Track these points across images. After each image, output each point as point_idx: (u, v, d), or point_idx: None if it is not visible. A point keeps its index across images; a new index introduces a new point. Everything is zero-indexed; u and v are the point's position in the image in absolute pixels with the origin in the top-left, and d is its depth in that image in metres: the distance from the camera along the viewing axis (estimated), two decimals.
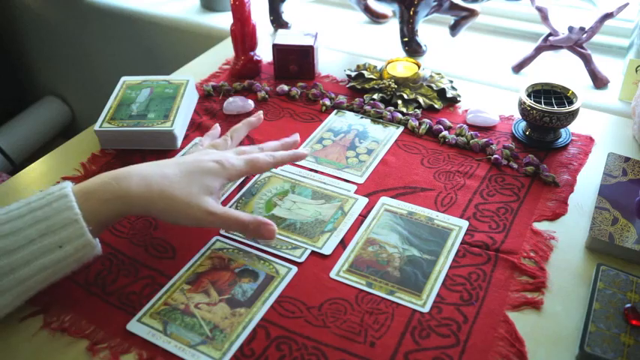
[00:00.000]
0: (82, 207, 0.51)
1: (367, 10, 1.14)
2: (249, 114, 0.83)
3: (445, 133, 0.77)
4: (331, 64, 0.97)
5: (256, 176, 0.70)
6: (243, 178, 0.68)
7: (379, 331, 0.52)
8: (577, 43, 0.91)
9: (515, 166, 0.72)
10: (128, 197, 0.54)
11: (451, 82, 0.88)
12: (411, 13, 0.98)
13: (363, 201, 0.66)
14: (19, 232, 0.50)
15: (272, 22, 1.12)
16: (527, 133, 0.77)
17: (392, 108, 0.83)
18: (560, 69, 0.97)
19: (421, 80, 0.86)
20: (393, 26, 1.10)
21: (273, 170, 0.71)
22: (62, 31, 1.61)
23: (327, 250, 0.60)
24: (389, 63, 0.89)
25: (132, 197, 0.54)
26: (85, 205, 0.52)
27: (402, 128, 0.80)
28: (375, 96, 0.85)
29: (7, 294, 0.49)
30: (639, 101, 0.78)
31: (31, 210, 0.51)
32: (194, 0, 1.31)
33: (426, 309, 0.54)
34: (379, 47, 1.06)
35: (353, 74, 0.90)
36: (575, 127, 0.78)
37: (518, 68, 0.97)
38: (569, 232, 0.63)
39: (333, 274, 0.58)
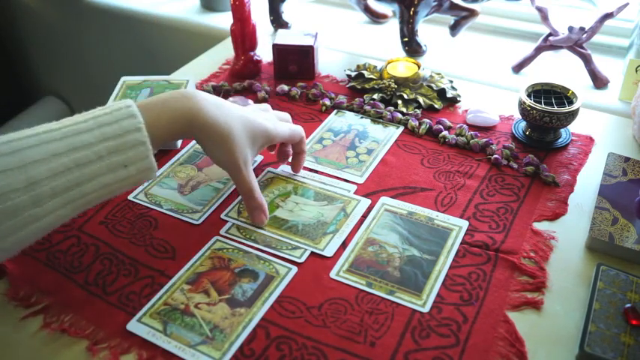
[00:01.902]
0: (149, 128, 0.52)
1: (367, 10, 1.14)
2: None
3: (445, 133, 0.77)
4: (331, 64, 0.97)
5: (260, 175, 0.71)
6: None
7: (379, 331, 0.52)
8: (577, 43, 0.91)
9: (515, 166, 0.72)
10: (197, 119, 0.56)
11: (451, 82, 0.88)
12: (411, 13, 0.98)
13: (366, 202, 0.66)
14: (89, 146, 0.50)
15: (272, 22, 1.12)
16: (527, 133, 0.77)
17: (392, 108, 0.83)
18: (560, 69, 0.97)
19: (421, 80, 0.86)
20: (393, 26, 1.10)
21: (276, 171, 0.71)
22: (62, 31, 1.61)
23: (328, 252, 0.60)
24: (389, 63, 0.89)
25: (200, 120, 0.56)
26: (152, 126, 0.53)
27: (402, 128, 0.80)
28: (375, 96, 0.85)
29: (68, 206, 0.50)
30: (639, 101, 0.78)
31: (99, 125, 0.51)
32: (194, 0, 1.31)
33: (426, 309, 0.54)
34: (379, 47, 1.06)
35: (353, 74, 0.90)
36: (575, 127, 0.78)
37: (518, 68, 0.97)
38: (569, 232, 0.63)
39: (333, 274, 0.58)
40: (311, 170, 0.72)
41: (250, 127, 0.60)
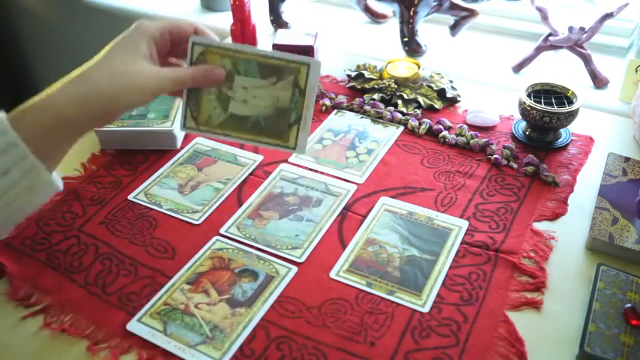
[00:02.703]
0: (18, 129, 0.48)
1: (367, 10, 1.14)
2: None
3: (445, 133, 0.77)
4: (331, 64, 0.97)
5: (189, 50, 0.58)
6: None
7: (379, 331, 0.52)
8: (577, 43, 0.91)
9: (515, 166, 0.72)
10: (59, 115, 0.50)
11: (451, 82, 0.88)
12: (411, 13, 0.98)
13: (316, 65, 0.56)
14: None
15: (272, 22, 1.12)
16: (527, 133, 0.77)
17: (392, 108, 0.83)
18: (560, 69, 0.97)
19: (421, 80, 0.86)
20: (393, 26, 1.10)
21: (200, 41, 0.58)
22: (62, 31, 1.61)
23: (301, 150, 0.56)
24: (389, 63, 0.89)
25: (60, 109, 0.50)
26: (22, 128, 0.48)
27: (402, 128, 0.80)
28: (375, 96, 0.85)
29: None
30: (639, 101, 0.78)
31: None
32: (194, 0, 1.31)
33: (426, 309, 0.54)
34: (379, 47, 1.06)
35: (353, 74, 0.90)
36: (575, 127, 0.78)
37: (518, 68, 0.97)
38: (569, 232, 0.63)
39: (333, 274, 0.58)
40: (311, 170, 0.72)
41: (118, 49, 0.53)
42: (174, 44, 0.58)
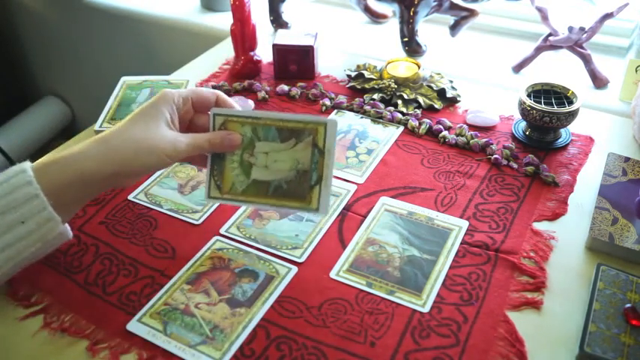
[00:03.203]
0: (40, 181, 0.51)
1: (367, 10, 1.14)
2: None
3: (445, 133, 0.77)
4: (331, 64, 0.97)
5: (210, 121, 0.59)
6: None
7: (379, 331, 0.52)
8: (577, 43, 0.91)
9: (515, 166, 0.72)
10: (84, 175, 0.52)
11: (451, 82, 0.88)
12: (411, 13, 0.98)
13: (333, 125, 0.57)
14: None
15: (272, 22, 1.12)
16: (527, 133, 0.77)
17: (392, 108, 0.83)
18: (560, 69, 0.97)
19: (421, 80, 0.86)
20: (393, 26, 1.10)
21: (222, 112, 0.60)
22: (62, 32, 1.61)
23: (323, 211, 0.57)
24: (389, 63, 0.89)
25: (86, 174, 0.53)
26: (44, 180, 0.51)
27: (402, 128, 0.80)
28: (375, 96, 0.85)
29: None
30: (639, 101, 0.78)
31: None
32: (194, 0, 1.31)
33: (426, 309, 0.54)
34: (379, 47, 1.06)
35: (353, 74, 0.90)
36: (575, 127, 0.78)
37: (518, 68, 0.97)
38: (569, 232, 0.63)
39: (333, 274, 0.58)
40: None
41: (142, 117, 0.56)
42: (197, 111, 0.61)
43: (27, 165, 0.52)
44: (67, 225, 0.55)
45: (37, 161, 0.54)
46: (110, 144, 0.54)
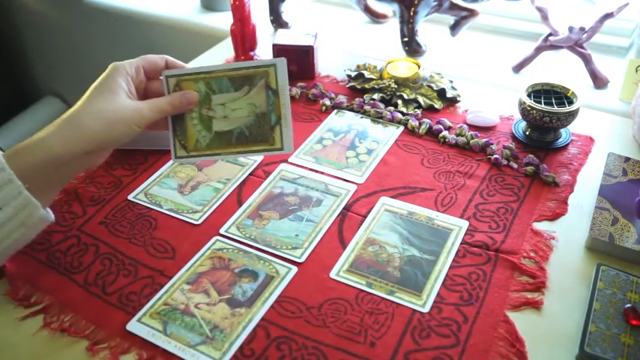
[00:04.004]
0: (13, 166, 0.51)
1: (367, 10, 1.14)
2: None
3: (445, 133, 0.77)
4: (331, 64, 0.97)
5: (164, 84, 0.61)
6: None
7: (379, 331, 0.52)
8: (577, 43, 0.91)
9: (515, 166, 0.72)
10: (54, 153, 0.53)
11: (451, 82, 0.88)
12: (411, 13, 0.98)
13: (282, 64, 0.59)
14: None
15: (272, 22, 1.12)
16: (527, 133, 0.77)
17: (392, 108, 0.83)
18: (560, 69, 0.97)
19: (421, 80, 0.86)
20: (393, 26, 1.10)
21: (173, 72, 0.61)
22: (62, 31, 1.61)
23: (288, 148, 0.58)
24: (389, 63, 0.89)
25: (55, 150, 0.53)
26: (16, 165, 0.51)
27: (402, 128, 0.80)
28: (375, 96, 0.85)
29: None
30: (639, 101, 0.78)
31: None
32: (194, 0, 1.31)
33: (426, 309, 0.54)
34: (379, 47, 1.06)
35: (353, 74, 0.90)
36: (575, 127, 0.78)
37: (518, 68, 0.97)
38: (569, 232, 0.63)
39: (333, 274, 0.58)
40: (311, 170, 0.72)
41: (100, 89, 0.57)
42: (149, 78, 0.62)
43: None
44: (47, 208, 0.55)
45: (10, 148, 0.54)
46: (77, 122, 0.54)
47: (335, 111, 0.84)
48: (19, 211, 0.51)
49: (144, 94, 0.62)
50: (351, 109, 0.84)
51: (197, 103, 0.60)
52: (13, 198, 0.51)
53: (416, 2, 0.97)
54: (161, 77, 0.61)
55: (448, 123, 0.80)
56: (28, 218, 0.52)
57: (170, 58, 0.62)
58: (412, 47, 1.01)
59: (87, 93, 0.57)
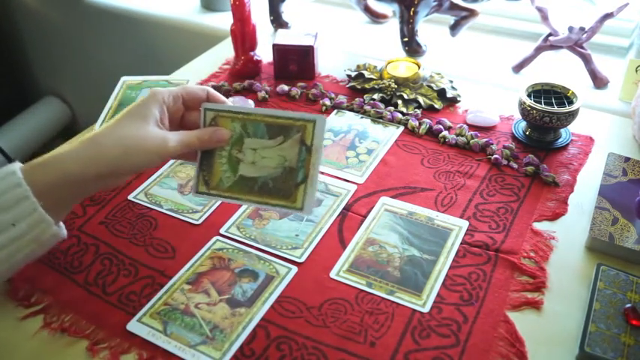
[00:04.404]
0: (30, 183, 0.50)
1: (367, 10, 1.14)
2: None
3: (445, 133, 0.77)
4: (331, 64, 0.97)
5: (201, 116, 0.59)
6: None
7: (379, 331, 0.52)
8: (577, 43, 0.91)
9: (515, 166, 0.72)
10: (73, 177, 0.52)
11: (451, 82, 0.88)
12: (411, 13, 0.98)
13: (322, 122, 0.56)
14: None
15: (272, 22, 1.12)
16: (527, 133, 0.77)
17: (392, 108, 0.83)
18: (560, 69, 0.97)
19: (421, 80, 0.86)
20: (393, 26, 1.10)
21: (213, 107, 0.60)
22: (62, 31, 1.61)
23: (307, 211, 0.56)
24: (389, 63, 0.89)
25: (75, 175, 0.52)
26: (33, 181, 0.51)
27: (402, 128, 0.80)
28: (375, 96, 0.85)
29: None
30: (639, 101, 0.78)
31: None
32: (194, 0, 1.31)
33: (426, 309, 0.54)
34: (379, 47, 1.06)
35: (353, 74, 0.90)
36: (575, 127, 0.78)
37: (518, 68, 0.97)
38: (569, 232, 0.63)
39: (333, 274, 0.58)
40: None
41: (131, 115, 0.55)
42: (189, 108, 0.60)
43: (16, 166, 0.52)
44: (61, 224, 0.55)
45: (28, 162, 0.53)
46: (99, 144, 0.53)
47: (335, 111, 0.84)
48: (32, 227, 0.51)
49: (180, 123, 0.60)
50: (351, 109, 0.84)
51: (227, 142, 0.58)
52: (28, 214, 0.50)
53: (416, 2, 0.97)
54: (200, 109, 0.59)
55: (448, 123, 0.80)
56: (40, 235, 0.52)
57: (212, 91, 0.60)
58: (412, 47, 1.01)
59: (118, 115, 0.56)
